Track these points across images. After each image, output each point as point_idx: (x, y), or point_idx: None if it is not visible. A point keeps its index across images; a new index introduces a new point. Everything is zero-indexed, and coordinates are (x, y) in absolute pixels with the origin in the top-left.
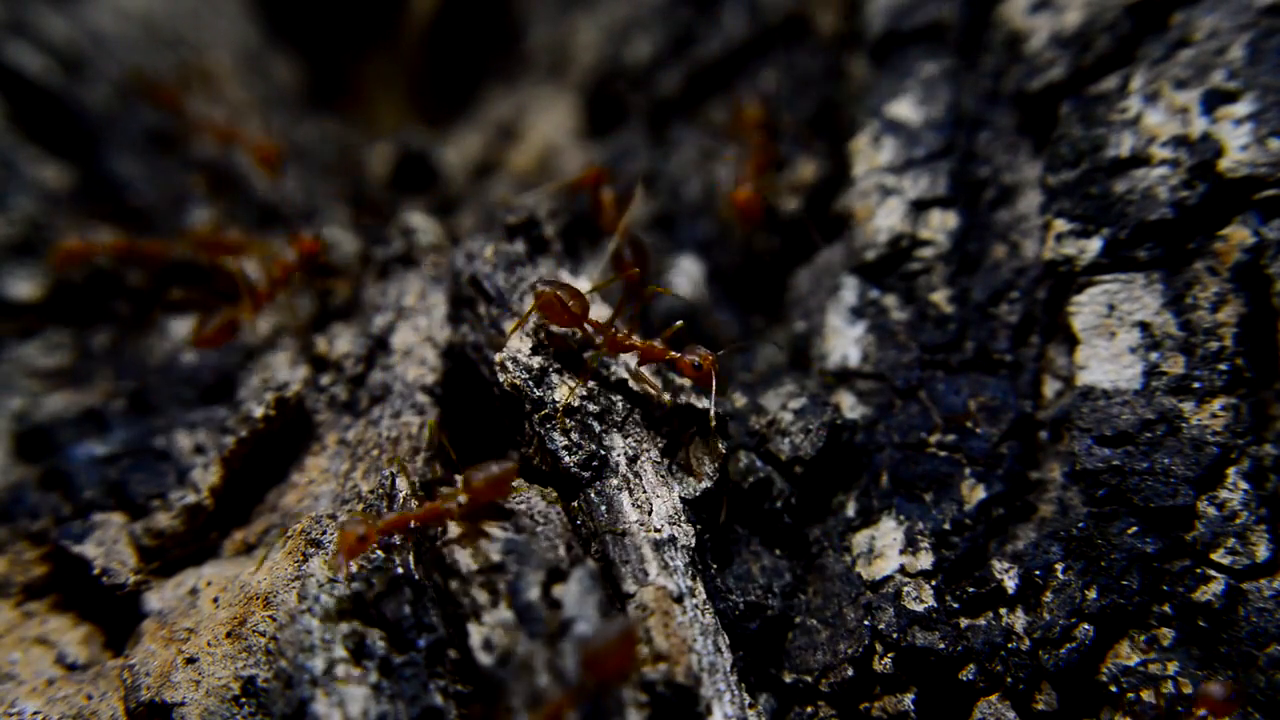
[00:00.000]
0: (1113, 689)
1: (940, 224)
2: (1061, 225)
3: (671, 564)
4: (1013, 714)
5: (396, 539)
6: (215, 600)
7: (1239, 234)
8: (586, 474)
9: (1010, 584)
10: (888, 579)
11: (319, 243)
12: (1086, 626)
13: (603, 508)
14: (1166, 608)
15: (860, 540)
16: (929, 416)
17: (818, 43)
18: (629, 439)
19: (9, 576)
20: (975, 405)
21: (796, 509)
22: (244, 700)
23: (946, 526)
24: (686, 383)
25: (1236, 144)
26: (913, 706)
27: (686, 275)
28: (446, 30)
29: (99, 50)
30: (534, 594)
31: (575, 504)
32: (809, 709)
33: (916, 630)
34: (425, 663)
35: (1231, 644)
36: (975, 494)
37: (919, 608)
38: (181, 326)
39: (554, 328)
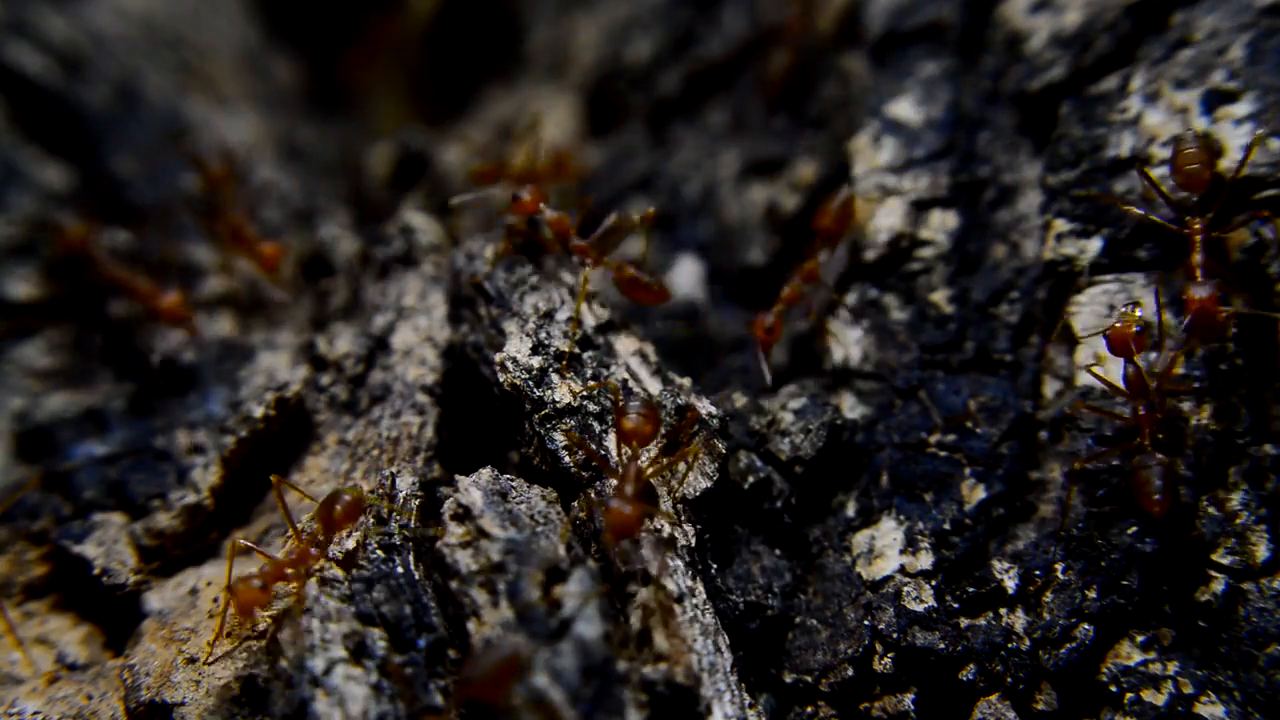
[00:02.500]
0: (1113, 689)
1: (940, 224)
2: (1061, 225)
3: (671, 564)
4: (1013, 714)
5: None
6: (215, 600)
7: (1239, 234)
8: (586, 474)
9: (1010, 584)
10: (888, 579)
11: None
12: (1086, 626)
13: (603, 507)
14: (1166, 608)
15: (860, 540)
16: (929, 416)
17: (818, 43)
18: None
19: (9, 576)
20: (975, 405)
21: (796, 509)
22: (244, 700)
23: (946, 526)
24: (686, 382)
25: (1236, 144)
26: (913, 706)
27: (686, 275)
28: (446, 30)
29: (99, 50)
30: (534, 594)
31: (575, 504)
32: (809, 709)
33: (916, 630)
34: (425, 663)
35: (1231, 644)
36: (975, 494)
37: (919, 608)
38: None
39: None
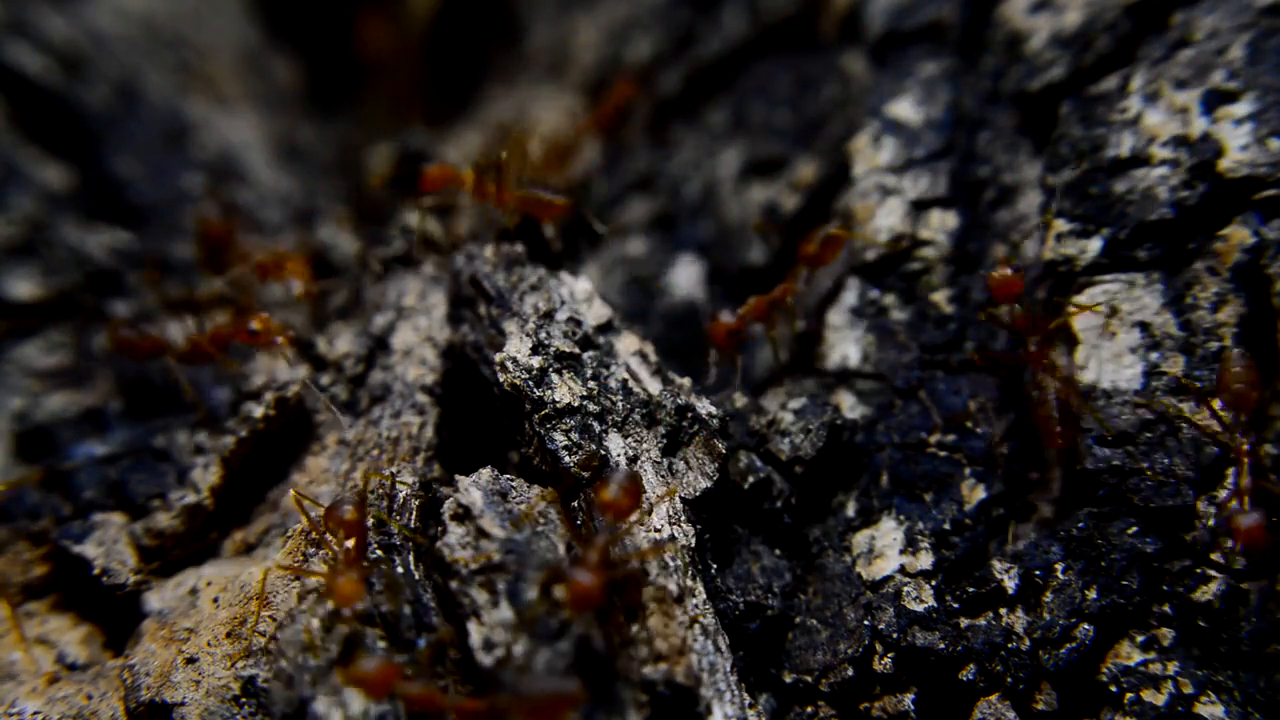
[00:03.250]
0: (1113, 689)
1: (940, 224)
2: (1061, 225)
3: (671, 564)
4: (1013, 714)
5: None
6: (215, 600)
7: (1239, 234)
8: (586, 474)
9: (1010, 584)
10: (888, 579)
11: None
12: (1086, 626)
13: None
14: (1166, 608)
15: (860, 540)
16: (929, 416)
17: (817, 43)
18: (629, 439)
19: (9, 576)
20: (975, 405)
21: (796, 509)
22: (244, 700)
23: (946, 526)
24: (686, 382)
25: (1236, 144)
26: (913, 706)
27: (686, 275)
28: (446, 30)
29: (99, 50)
30: (534, 594)
31: (575, 504)
32: (809, 709)
33: (916, 630)
34: (425, 663)
35: (1231, 644)
36: (975, 494)
37: (919, 608)
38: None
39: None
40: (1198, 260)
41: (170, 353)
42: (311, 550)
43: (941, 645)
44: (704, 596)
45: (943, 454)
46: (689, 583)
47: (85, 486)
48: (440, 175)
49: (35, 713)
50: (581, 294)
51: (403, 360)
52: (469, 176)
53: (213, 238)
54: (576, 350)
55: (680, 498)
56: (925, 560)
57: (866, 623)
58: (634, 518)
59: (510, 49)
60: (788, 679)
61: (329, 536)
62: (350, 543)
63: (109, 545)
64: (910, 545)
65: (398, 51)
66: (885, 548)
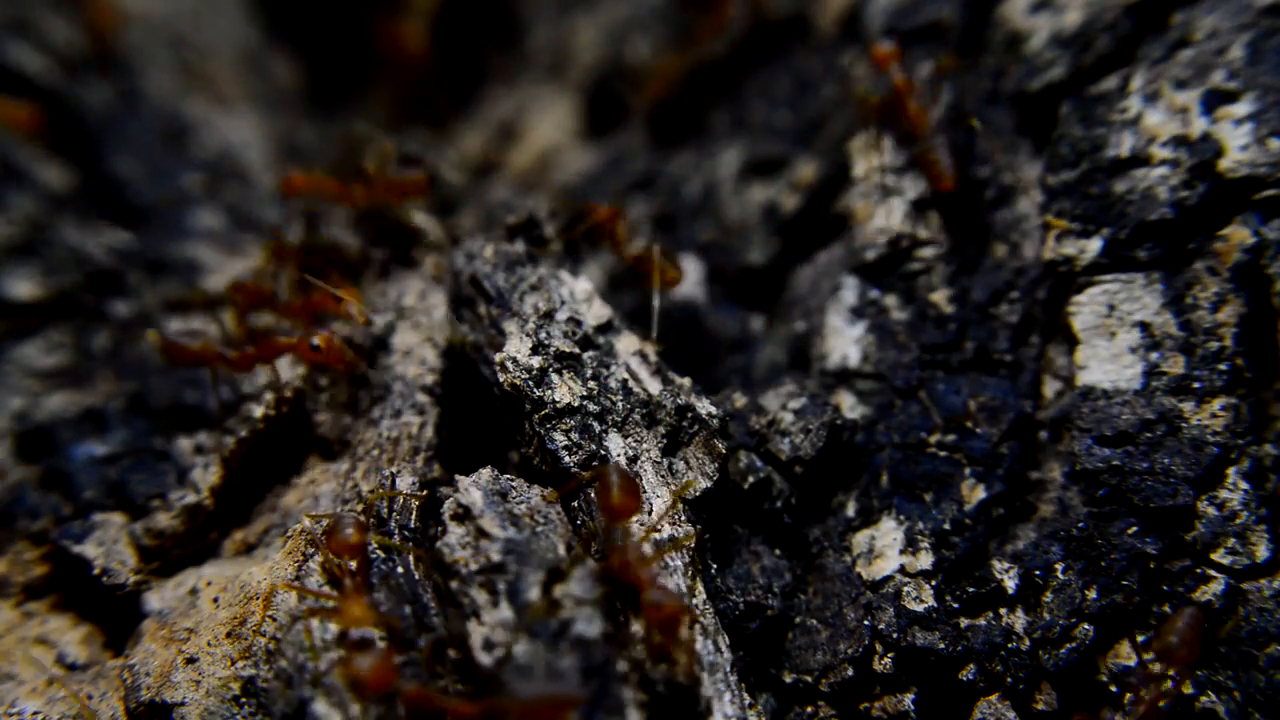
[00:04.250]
0: (1113, 689)
1: (940, 224)
2: (1062, 225)
3: (671, 564)
4: (1013, 714)
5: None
6: (215, 600)
7: (1239, 234)
8: (587, 474)
9: (1010, 584)
10: (888, 579)
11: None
12: (1086, 626)
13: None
14: (1166, 608)
15: (860, 540)
16: (929, 416)
17: (818, 43)
18: (629, 439)
19: (9, 576)
20: (975, 405)
21: (796, 509)
22: (244, 700)
23: (946, 526)
24: (686, 382)
25: (1236, 144)
26: (913, 706)
27: (686, 275)
28: (447, 30)
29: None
30: (534, 594)
31: (575, 504)
32: (809, 709)
33: (916, 630)
34: (425, 663)
35: (1231, 644)
36: (975, 494)
37: (919, 608)
38: (181, 326)
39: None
40: (1198, 260)
41: (221, 362)
42: (311, 550)
43: (941, 645)
44: (704, 596)
45: (943, 454)
46: (689, 583)
47: (85, 486)
48: (304, 182)
49: (35, 713)
50: (581, 294)
51: (403, 360)
52: (332, 183)
53: (251, 303)
54: (576, 350)
55: (681, 498)
56: (925, 560)
57: (866, 623)
58: (636, 519)
59: (510, 49)
60: (788, 679)
61: (333, 558)
62: (354, 564)
63: (109, 545)
64: (910, 545)
65: (421, 50)
66: (885, 548)
